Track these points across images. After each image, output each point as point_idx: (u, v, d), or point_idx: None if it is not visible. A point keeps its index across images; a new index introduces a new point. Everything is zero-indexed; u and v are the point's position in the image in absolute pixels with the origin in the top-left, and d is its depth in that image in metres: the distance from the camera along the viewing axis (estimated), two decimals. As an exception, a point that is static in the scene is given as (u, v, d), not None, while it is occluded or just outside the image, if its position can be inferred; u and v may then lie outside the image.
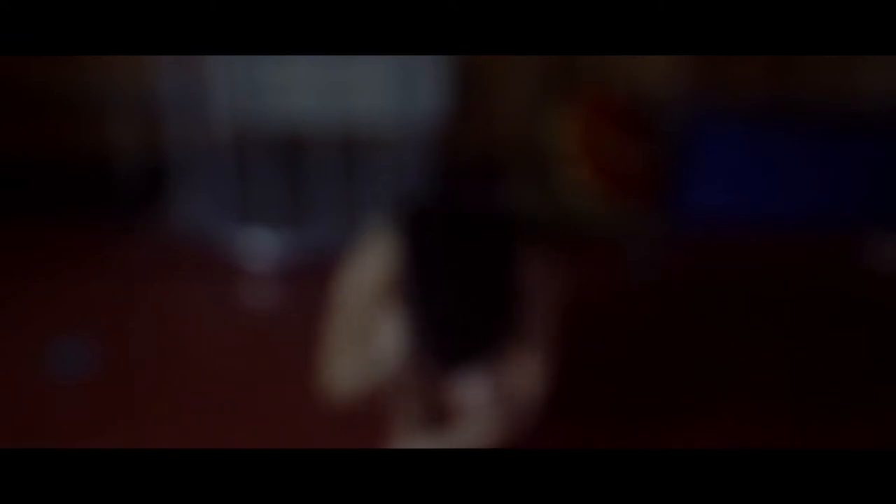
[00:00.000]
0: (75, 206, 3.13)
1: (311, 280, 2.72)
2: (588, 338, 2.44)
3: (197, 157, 2.90)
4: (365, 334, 1.67)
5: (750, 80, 3.25)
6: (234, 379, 2.24)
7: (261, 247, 2.82)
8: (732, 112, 3.20)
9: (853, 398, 2.26)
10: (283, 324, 2.51)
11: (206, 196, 2.97)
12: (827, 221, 3.23)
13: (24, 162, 3.38)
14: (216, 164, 2.87)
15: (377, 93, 2.76)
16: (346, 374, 1.67)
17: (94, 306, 2.55)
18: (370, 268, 1.65)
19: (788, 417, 2.18)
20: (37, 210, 3.11)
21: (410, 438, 1.88)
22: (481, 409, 1.72)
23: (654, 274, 2.86)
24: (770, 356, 2.42)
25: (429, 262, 1.55)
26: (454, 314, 1.55)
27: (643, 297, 2.71)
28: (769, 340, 2.50)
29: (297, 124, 2.81)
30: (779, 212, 3.25)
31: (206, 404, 2.14)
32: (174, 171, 2.92)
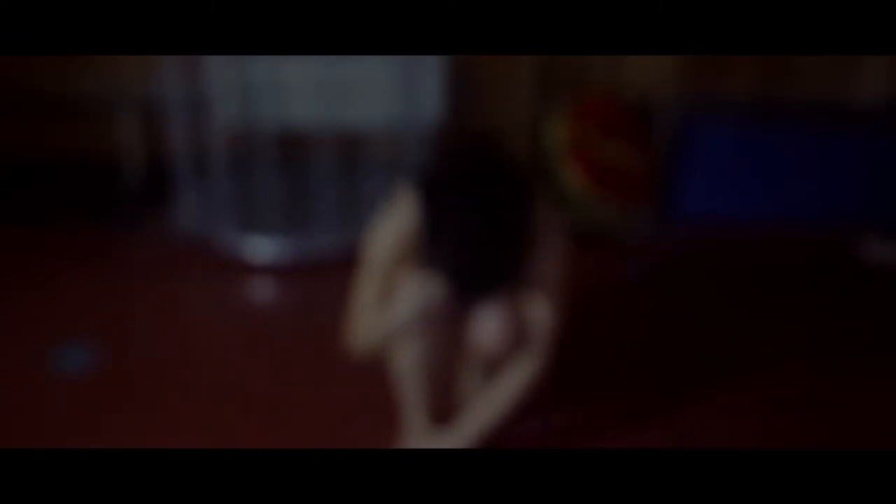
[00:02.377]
0: (77, 207, 3.14)
1: (311, 280, 2.73)
2: (586, 335, 2.45)
3: (198, 159, 2.91)
4: (387, 292, 1.73)
5: (747, 81, 3.26)
6: (233, 379, 2.24)
7: (261, 247, 2.82)
8: (728, 112, 3.21)
9: (852, 393, 2.26)
10: (283, 324, 2.52)
11: (208, 197, 2.97)
12: (821, 219, 3.24)
13: (26, 163, 3.39)
14: (217, 165, 2.87)
15: (377, 93, 2.76)
16: (370, 329, 1.74)
17: (96, 306, 2.55)
18: (394, 228, 1.72)
19: (788, 413, 2.18)
20: (39, 211, 3.12)
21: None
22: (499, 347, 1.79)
23: (649, 272, 2.86)
24: (769, 350, 2.43)
25: (447, 215, 1.66)
26: (471, 256, 1.64)
27: (639, 295, 2.71)
28: (766, 337, 2.50)
29: (297, 125, 2.81)
30: (773, 210, 3.26)
31: (206, 404, 2.14)
32: (176, 172, 2.92)
